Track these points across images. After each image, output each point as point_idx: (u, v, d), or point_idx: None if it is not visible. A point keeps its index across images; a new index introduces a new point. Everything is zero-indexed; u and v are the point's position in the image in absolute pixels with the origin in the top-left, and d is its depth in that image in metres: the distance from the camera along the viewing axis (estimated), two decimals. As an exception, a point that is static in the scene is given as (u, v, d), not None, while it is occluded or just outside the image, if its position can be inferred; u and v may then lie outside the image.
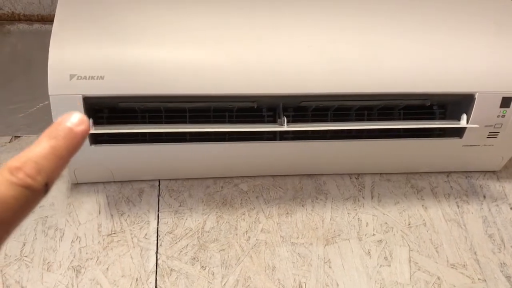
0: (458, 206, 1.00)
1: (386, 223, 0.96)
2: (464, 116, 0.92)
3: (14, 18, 1.26)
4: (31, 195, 0.28)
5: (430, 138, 0.96)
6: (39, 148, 0.29)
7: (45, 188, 0.29)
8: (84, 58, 0.82)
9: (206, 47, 0.86)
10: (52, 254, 0.87)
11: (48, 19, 1.26)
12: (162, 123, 0.88)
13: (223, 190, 0.98)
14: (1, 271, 0.84)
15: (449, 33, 0.92)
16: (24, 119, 1.05)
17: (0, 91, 1.10)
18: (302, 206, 0.97)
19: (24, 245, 0.88)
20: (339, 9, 0.94)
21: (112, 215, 0.93)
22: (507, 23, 0.95)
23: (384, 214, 0.98)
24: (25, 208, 0.28)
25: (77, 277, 0.85)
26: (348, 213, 0.97)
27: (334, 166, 1.00)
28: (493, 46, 0.92)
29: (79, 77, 0.82)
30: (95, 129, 0.84)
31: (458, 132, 0.95)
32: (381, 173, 1.03)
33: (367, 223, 0.96)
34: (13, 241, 0.88)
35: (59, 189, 0.95)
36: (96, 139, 0.88)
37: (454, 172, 1.05)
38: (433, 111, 0.95)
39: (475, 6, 0.98)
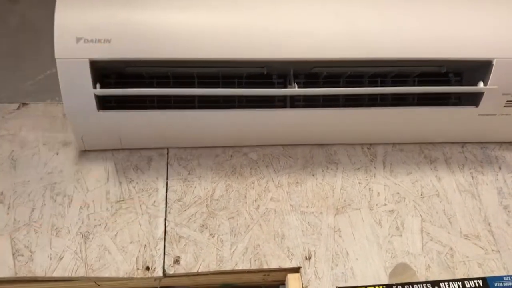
0: (472, 177, 0.98)
1: (398, 193, 0.94)
2: (481, 84, 0.89)
3: (21, -14, 1.24)
4: None
5: (446, 106, 0.93)
6: None
7: None
8: (90, 20, 0.81)
9: (215, 11, 0.84)
10: (60, 220, 0.87)
11: (56, -13, 1.24)
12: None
13: (232, 159, 0.97)
14: (10, 236, 0.84)
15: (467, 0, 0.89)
16: (32, 87, 1.04)
17: (8, 59, 1.09)
18: (313, 175, 0.96)
19: (33, 210, 0.87)
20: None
21: (120, 182, 0.92)
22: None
23: (396, 184, 0.96)
24: None
25: (85, 243, 0.84)
26: (359, 183, 0.95)
27: (345, 135, 0.98)
28: (510, 12, 0.88)
29: (86, 40, 0.80)
30: (101, 91, 0.82)
31: (474, 100, 0.92)
32: (393, 143, 1.01)
33: (378, 193, 0.94)
34: (22, 207, 0.87)
35: (67, 156, 0.94)
36: (104, 104, 0.87)
37: (469, 142, 1.02)
38: (449, 79, 0.92)
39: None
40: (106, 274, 0.82)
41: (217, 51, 0.83)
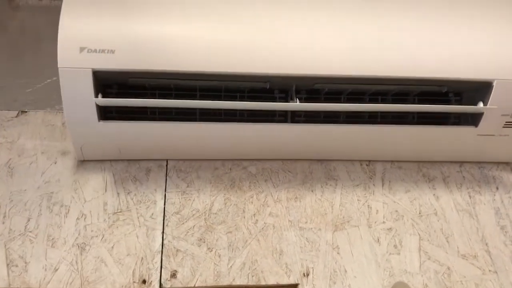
0: (470, 197, 0.98)
1: (396, 211, 0.95)
2: (481, 104, 0.89)
3: (23, -7, 1.24)
4: None
5: (445, 125, 0.93)
6: None
7: None
8: (95, 30, 0.80)
9: (219, 24, 0.84)
10: (57, 231, 0.86)
11: (58, -4, 1.25)
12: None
13: (231, 172, 0.97)
14: (5, 245, 0.83)
15: (469, 19, 0.90)
16: (32, 94, 1.04)
17: (8, 66, 1.09)
18: (312, 191, 0.96)
19: (29, 220, 0.86)
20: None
21: (118, 193, 0.91)
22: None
23: (394, 202, 0.96)
24: None
25: (81, 254, 0.83)
26: (358, 200, 0.95)
27: (345, 151, 0.98)
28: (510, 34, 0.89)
29: (90, 50, 0.80)
30: (103, 100, 0.82)
31: (474, 121, 0.93)
32: (392, 161, 1.01)
33: (377, 210, 0.94)
34: (18, 216, 0.86)
35: (65, 165, 0.94)
36: (105, 115, 0.86)
37: (467, 162, 1.03)
38: (449, 99, 0.93)
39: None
40: (101, 286, 0.81)
41: (220, 65, 0.83)
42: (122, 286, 0.81)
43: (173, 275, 0.83)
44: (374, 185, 0.98)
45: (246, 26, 0.84)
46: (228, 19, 0.85)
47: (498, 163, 1.04)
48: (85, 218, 0.88)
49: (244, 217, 0.91)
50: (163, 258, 0.84)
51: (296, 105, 0.86)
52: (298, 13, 0.87)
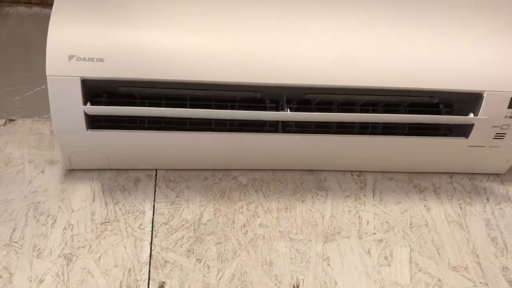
0: (461, 208, 0.98)
1: (387, 222, 0.94)
2: (471, 115, 0.89)
3: (13, 0, 1.23)
4: None
5: (436, 136, 0.93)
6: None
7: None
8: (84, 39, 0.80)
9: (210, 34, 0.84)
10: (43, 241, 0.84)
11: (47, 3, 1.24)
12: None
13: (221, 183, 0.96)
14: (-11, 256, 0.81)
15: (460, 31, 0.90)
16: (20, 102, 1.02)
17: (-4, 73, 1.08)
18: (302, 201, 0.95)
19: (14, 230, 0.85)
20: (349, 2, 0.92)
21: (106, 203, 0.90)
22: (518, 22, 0.93)
23: (385, 213, 0.95)
24: None
25: (68, 265, 0.82)
26: (348, 211, 0.95)
27: (336, 162, 0.98)
28: (503, 46, 0.90)
29: (79, 58, 0.79)
30: (92, 108, 0.81)
31: (465, 132, 0.93)
32: (383, 172, 1.01)
33: (368, 221, 0.94)
34: (3, 226, 0.85)
35: (52, 174, 0.92)
36: (94, 124, 0.85)
37: (458, 173, 1.03)
38: (439, 110, 0.92)
39: (486, 5, 0.96)
40: (88, 298, 0.79)
41: (210, 74, 0.82)
42: (109, 298, 0.79)
43: (161, 286, 0.81)
44: (365, 196, 0.97)
45: (237, 36, 0.84)
46: (219, 28, 0.84)
47: (488, 175, 1.04)
48: (72, 228, 0.86)
49: (234, 227, 0.90)
50: (151, 270, 0.83)
51: (286, 114, 0.86)
52: (289, 23, 0.87)
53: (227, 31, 0.84)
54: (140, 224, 0.88)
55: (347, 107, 0.90)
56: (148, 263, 0.84)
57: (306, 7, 0.89)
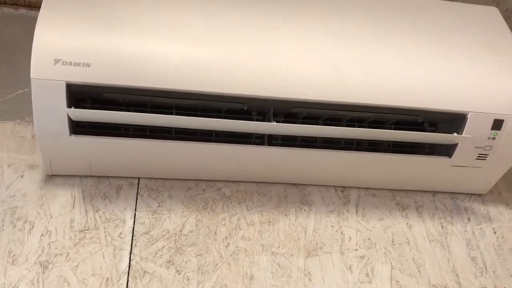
0: (442, 227, 0.98)
1: (369, 238, 0.94)
2: (455, 134, 0.90)
3: None
4: None
5: (420, 155, 0.94)
6: None
7: None
8: (71, 43, 0.79)
9: (198, 43, 0.83)
10: (19, 247, 0.82)
11: (34, 5, 1.22)
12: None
13: (205, 193, 0.95)
14: (-38, 261, 0.79)
15: (446, 52, 0.92)
16: (2, 105, 1.00)
17: (-22, 74, 1.05)
18: (285, 215, 0.94)
19: (-10, 235, 0.82)
20: (338, 18, 0.93)
21: (86, 211, 0.88)
22: (502, 46, 0.94)
23: (368, 229, 0.95)
24: None
25: (43, 272, 0.80)
26: (331, 226, 0.94)
27: (320, 176, 0.98)
28: (488, 68, 0.91)
29: (64, 62, 0.78)
30: (76, 111, 0.79)
31: (448, 151, 0.94)
32: (367, 188, 1.01)
33: (350, 237, 0.93)
34: (-22, 231, 0.82)
35: (32, 179, 0.90)
36: (77, 129, 0.84)
37: (440, 192, 1.04)
38: (424, 129, 0.93)
39: (472, 28, 0.98)
40: (63, 308, 0.77)
41: (197, 84, 0.82)
42: (85, 308, 0.77)
43: (139, 298, 0.80)
44: (348, 211, 0.97)
45: (226, 46, 0.84)
46: (208, 38, 0.84)
47: (470, 195, 1.05)
48: (49, 235, 0.84)
49: (216, 239, 0.89)
50: (129, 280, 0.81)
51: (272, 125, 0.85)
52: (279, 37, 0.87)
53: (216, 41, 0.84)
54: (120, 233, 0.87)
55: (333, 122, 0.90)
56: (127, 273, 0.82)
57: (297, 20, 0.90)
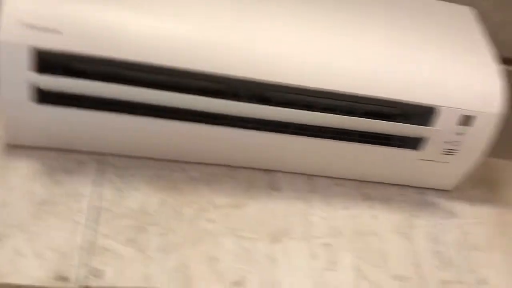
0: (407, 220, 0.99)
1: (335, 227, 0.94)
2: (423, 127, 0.91)
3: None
4: None
5: (388, 146, 0.95)
6: None
7: None
8: (43, 8, 0.76)
9: (178, 18, 0.82)
10: (-28, 217, 0.78)
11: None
12: (116, 91, 0.83)
13: (172, 174, 0.93)
14: None
15: (421, 45, 0.93)
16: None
17: None
18: (253, 200, 0.93)
19: None
20: (319, 5, 0.94)
21: (46, 184, 0.85)
22: (474, 42, 0.96)
23: (334, 218, 0.95)
24: None
25: (-3, 244, 0.76)
26: (298, 213, 0.94)
27: (290, 163, 0.97)
28: (461, 64, 0.93)
29: (34, 27, 0.76)
30: (43, 79, 0.77)
31: (416, 145, 0.95)
32: (335, 177, 1.01)
33: (316, 225, 0.93)
34: None
35: (-8, 149, 0.87)
36: (43, 98, 0.81)
37: (407, 186, 1.04)
38: (394, 121, 0.94)
39: (445, 23, 1.00)
40: (16, 280, 0.74)
41: (170, 59, 0.80)
42: (39, 282, 0.74)
43: (97, 274, 0.77)
44: (315, 199, 0.97)
45: (203, 22, 0.83)
46: (189, 13, 0.83)
47: (437, 190, 1.06)
48: (6, 207, 0.81)
49: (181, 220, 0.87)
50: (88, 256, 0.79)
51: (241, 105, 0.85)
52: (255, 18, 0.87)
53: (197, 17, 0.83)
54: (81, 208, 0.84)
55: (306, 109, 0.90)
56: (85, 249, 0.79)
57: (285, 4, 0.90)
